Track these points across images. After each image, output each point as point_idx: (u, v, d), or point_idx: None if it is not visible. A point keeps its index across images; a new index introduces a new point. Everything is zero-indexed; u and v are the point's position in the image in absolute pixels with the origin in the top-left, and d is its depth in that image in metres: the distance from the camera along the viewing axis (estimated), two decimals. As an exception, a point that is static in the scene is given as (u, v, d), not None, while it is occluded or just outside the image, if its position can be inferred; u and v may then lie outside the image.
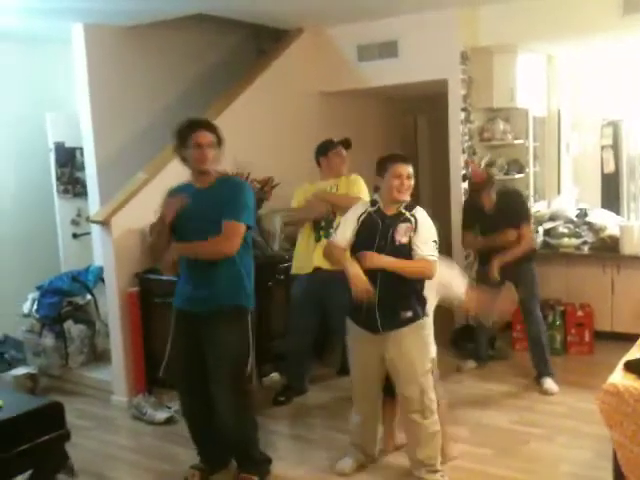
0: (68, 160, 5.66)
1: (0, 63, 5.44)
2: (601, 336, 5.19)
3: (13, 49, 5.45)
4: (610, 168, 6.26)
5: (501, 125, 5.79)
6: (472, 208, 4.76)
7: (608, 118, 6.16)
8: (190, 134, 3.15)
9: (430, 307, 3.39)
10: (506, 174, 5.80)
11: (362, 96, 6.26)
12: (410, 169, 3.21)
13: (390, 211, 3.19)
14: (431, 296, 3.40)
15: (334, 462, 3.52)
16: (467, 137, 5.60)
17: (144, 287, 4.51)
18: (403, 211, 3.19)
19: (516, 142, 5.85)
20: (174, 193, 3.28)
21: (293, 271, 4.49)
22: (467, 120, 5.58)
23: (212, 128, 3.21)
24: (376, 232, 3.16)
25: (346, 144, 4.51)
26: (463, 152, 5.57)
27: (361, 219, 3.20)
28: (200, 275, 3.20)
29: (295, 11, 5.33)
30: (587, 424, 3.82)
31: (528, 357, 4.69)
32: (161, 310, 4.19)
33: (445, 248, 6.16)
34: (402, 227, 3.15)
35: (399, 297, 3.18)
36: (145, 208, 4.34)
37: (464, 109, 5.55)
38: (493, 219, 4.57)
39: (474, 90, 5.59)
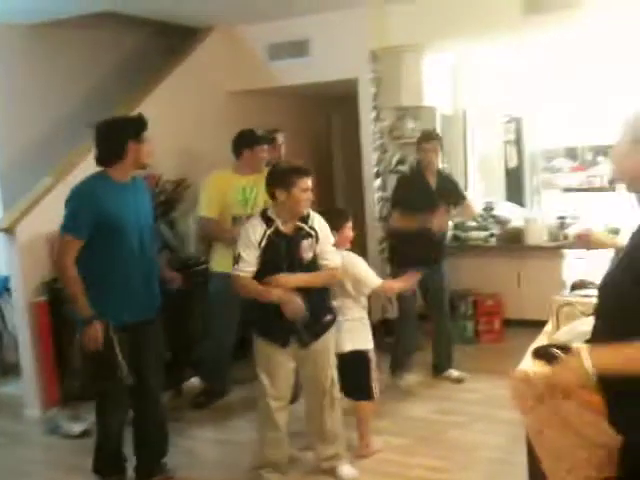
0: None
1: None
2: (510, 324, 5.43)
3: None
4: (513, 163, 6.53)
5: (410, 123, 5.92)
6: (413, 181, 4.68)
7: (510, 115, 6.41)
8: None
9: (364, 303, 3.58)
10: (416, 171, 5.93)
11: (274, 95, 6.25)
12: (311, 181, 3.14)
13: (288, 229, 3.12)
14: (363, 298, 3.56)
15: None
16: (378, 135, 5.70)
17: (53, 296, 4.34)
18: (301, 225, 3.14)
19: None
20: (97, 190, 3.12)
21: (213, 268, 4.38)
22: (377, 119, 5.68)
23: None
24: (280, 255, 3.09)
25: (272, 141, 4.49)
26: (374, 150, 5.68)
27: (262, 244, 3.07)
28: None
29: (205, 10, 5.26)
30: (501, 410, 3.95)
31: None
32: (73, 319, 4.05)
33: (360, 245, 6.29)
34: (305, 244, 3.13)
35: (318, 305, 3.19)
36: (51, 213, 4.19)
37: (374, 108, 5.65)
38: (434, 195, 4.54)
39: (383, 89, 5.68)
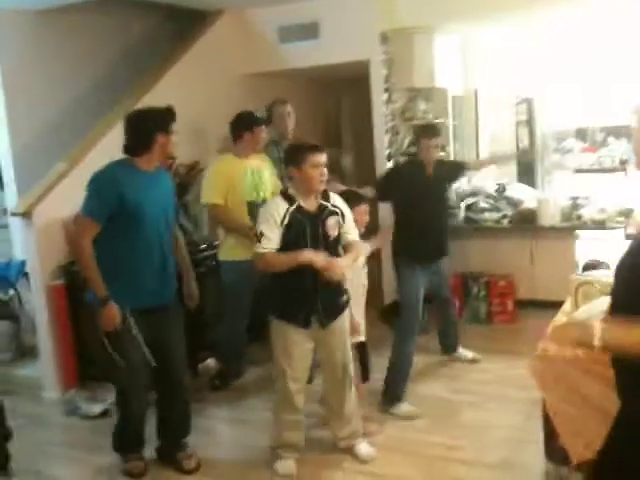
0: None
1: None
2: (523, 305, 5.45)
3: None
4: (524, 144, 6.51)
5: (422, 105, 5.91)
6: (412, 174, 4.36)
7: (522, 96, 6.38)
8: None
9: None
10: (428, 152, 5.93)
11: (284, 78, 6.24)
12: (325, 157, 3.11)
13: (311, 206, 3.10)
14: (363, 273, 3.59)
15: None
16: (390, 117, 5.70)
17: (70, 279, 4.38)
18: (325, 204, 3.14)
19: (436, 121, 5.99)
20: (119, 176, 3.15)
21: (226, 256, 4.34)
22: (389, 100, 5.67)
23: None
24: (305, 234, 3.06)
25: (269, 121, 4.54)
26: (386, 132, 5.67)
27: (285, 222, 3.03)
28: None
29: (214, -8, 5.26)
30: (514, 389, 4.02)
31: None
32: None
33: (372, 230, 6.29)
34: (331, 222, 3.13)
35: (334, 286, 3.19)
36: (66, 198, 4.25)
37: (386, 90, 5.64)
38: (432, 188, 4.37)
39: (395, 71, 5.66)
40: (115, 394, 3.46)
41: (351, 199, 3.46)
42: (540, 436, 2.76)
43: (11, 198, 4.98)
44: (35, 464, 3.63)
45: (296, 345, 3.22)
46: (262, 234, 3.02)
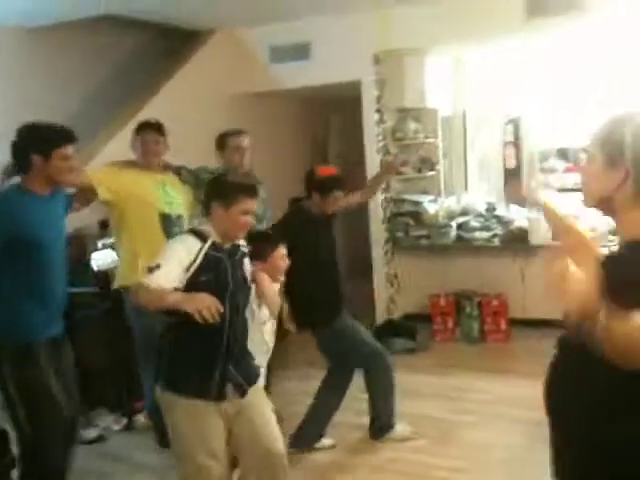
0: None
1: None
2: (515, 323, 5.46)
3: None
4: (511, 163, 6.57)
5: (412, 125, 5.97)
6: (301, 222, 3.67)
7: (510, 116, 6.45)
8: None
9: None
10: (419, 172, 5.99)
11: (274, 98, 6.26)
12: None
13: (225, 243, 2.57)
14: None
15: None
16: (381, 137, 5.73)
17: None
18: (237, 243, 2.64)
19: (427, 141, 6.05)
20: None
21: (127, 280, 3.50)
22: (381, 121, 5.71)
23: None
24: (227, 274, 2.52)
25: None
26: (377, 152, 5.70)
27: (196, 263, 2.44)
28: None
29: (206, 12, 5.26)
30: (514, 409, 4.01)
31: (447, 349, 4.78)
32: (85, 322, 4.02)
33: (361, 261, 6.24)
34: (246, 263, 2.68)
35: (245, 344, 2.67)
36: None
37: (377, 110, 5.68)
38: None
39: (386, 91, 5.71)
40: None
41: (267, 240, 3.04)
42: (544, 457, 2.75)
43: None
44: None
45: (207, 422, 2.53)
46: (158, 266, 2.40)
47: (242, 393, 2.57)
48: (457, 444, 3.77)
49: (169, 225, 3.59)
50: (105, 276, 4.12)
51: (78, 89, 5.34)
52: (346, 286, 3.99)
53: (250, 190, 2.57)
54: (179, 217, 3.67)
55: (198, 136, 5.46)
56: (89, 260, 4.20)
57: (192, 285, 2.42)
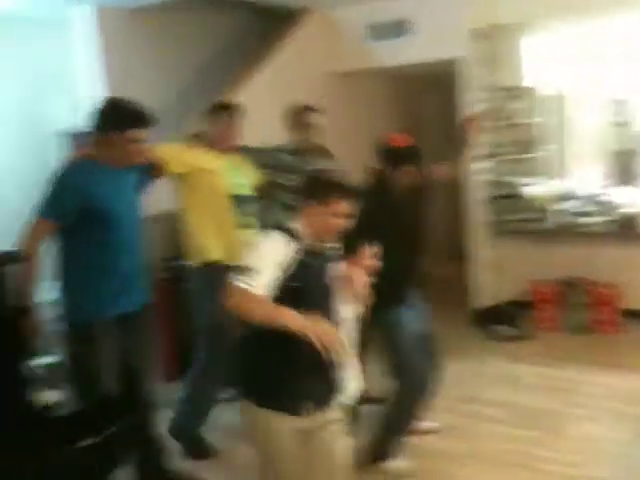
0: (80, 145, 5.37)
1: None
2: (628, 314, 5.08)
3: (11, 33, 5.17)
4: (620, 145, 6.18)
5: (511, 104, 5.69)
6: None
7: (615, 95, 6.07)
8: None
9: None
10: (518, 154, 5.71)
11: (369, 77, 6.16)
12: None
13: (317, 248, 2.32)
14: None
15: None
16: (478, 117, 5.48)
17: (173, 273, 4.35)
18: (326, 245, 2.37)
19: (525, 121, 5.76)
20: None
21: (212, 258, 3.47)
22: (478, 100, 5.46)
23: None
24: (319, 280, 2.30)
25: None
26: (475, 133, 5.46)
27: (294, 261, 2.20)
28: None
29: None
30: (627, 404, 3.77)
31: (552, 338, 4.49)
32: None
33: (458, 244, 6.03)
34: (331, 266, 2.39)
35: None
36: (159, 194, 4.15)
37: (475, 89, 5.44)
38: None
39: (484, 69, 5.48)
40: None
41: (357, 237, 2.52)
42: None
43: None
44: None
45: (294, 453, 2.26)
46: (257, 271, 2.13)
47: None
48: (568, 437, 3.54)
49: (239, 205, 3.49)
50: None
51: (177, 70, 5.36)
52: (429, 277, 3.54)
53: (348, 192, 2.31)
54: (248, 198, 3.58)
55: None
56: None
57: (282, 291, 2.16)
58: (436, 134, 7.18)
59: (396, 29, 5.50)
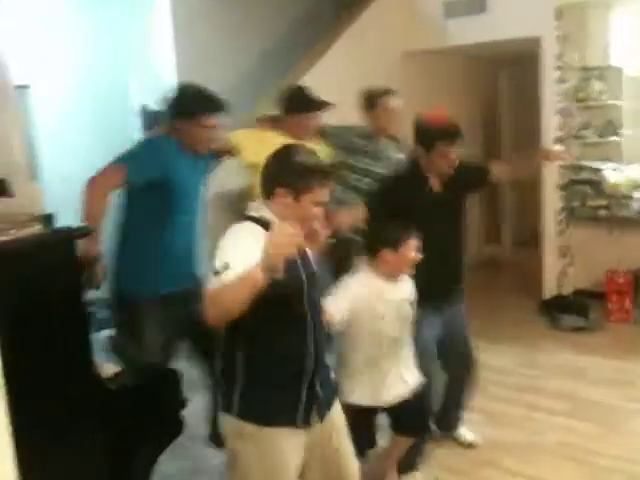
0: (154, 124, 5.55)
1: (80, 25, 5.36)
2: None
3: (90, 10, 5.35)
4: None
5: (595, 85, 5.47)
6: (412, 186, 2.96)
7: None
8: None
9: None
10: (600, 136, 5.50)
11: (445, 56, 6.04)
12: None
13: None
14: None
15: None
16: (560, 98, 5.32)
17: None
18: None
19: (611, 103, 5.53)
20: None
21: None
22: (561, 80, 5.30)
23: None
24: (299, 270, 2.09)
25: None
26: (555, 114, 5.31)
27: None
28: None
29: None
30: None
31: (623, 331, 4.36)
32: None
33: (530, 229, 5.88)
34: (310, 253, 2.26)
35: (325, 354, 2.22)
36: (227, 171, 4.24)
37: (557, 68, 5.27)
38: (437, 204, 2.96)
39: (567, 48, 5.28)
40: None
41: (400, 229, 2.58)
42: None
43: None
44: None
45: (290, 462, 2.09)
46: (227, 267, 1.88)
47: (322, 417, 2.13)
48: (630, 433, 3.46)
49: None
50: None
51: (254, 44, 5.41)
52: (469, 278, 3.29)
53: (325, 177, 2.05)
54: None
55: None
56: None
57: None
58: (513, 117, 7.05)
59: (474, 6, 5.36)
